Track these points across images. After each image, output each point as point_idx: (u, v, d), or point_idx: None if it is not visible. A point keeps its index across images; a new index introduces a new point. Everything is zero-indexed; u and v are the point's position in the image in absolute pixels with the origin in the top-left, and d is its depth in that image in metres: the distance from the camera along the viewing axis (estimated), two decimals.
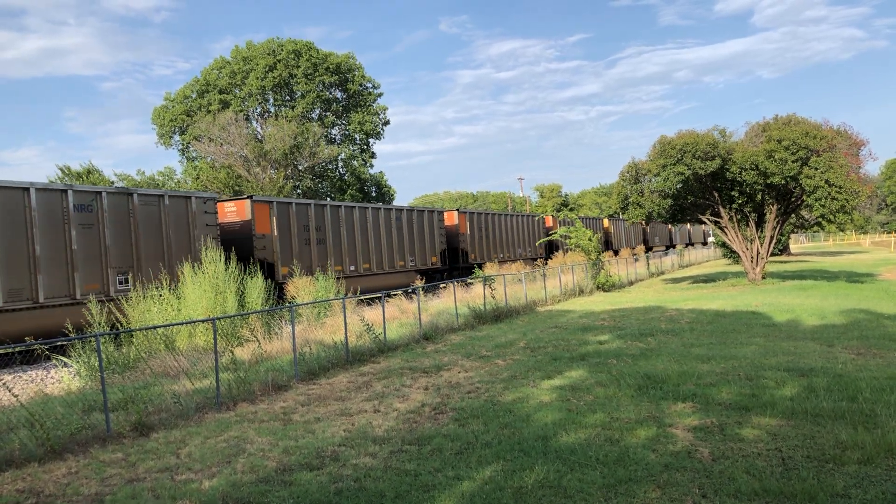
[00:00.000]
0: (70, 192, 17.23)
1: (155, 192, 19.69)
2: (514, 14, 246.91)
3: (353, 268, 27.19)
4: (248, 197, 23.27)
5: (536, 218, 45.45)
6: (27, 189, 16.22)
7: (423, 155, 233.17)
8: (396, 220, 30.30)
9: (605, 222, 57.10)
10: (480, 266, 33.63)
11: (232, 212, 23.30)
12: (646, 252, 60.07)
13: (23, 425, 8.02)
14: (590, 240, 30.23)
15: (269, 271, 22.48)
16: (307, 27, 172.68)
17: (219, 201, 22.61)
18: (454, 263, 34.87)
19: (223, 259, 17.20)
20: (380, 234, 29.00)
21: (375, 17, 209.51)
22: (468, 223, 36.51)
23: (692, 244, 79.38)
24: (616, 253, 52.71)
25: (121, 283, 18.13)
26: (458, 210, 36.71)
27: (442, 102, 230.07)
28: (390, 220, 29.86)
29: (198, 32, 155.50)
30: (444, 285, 25.85)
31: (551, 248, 44.94)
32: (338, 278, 23.63)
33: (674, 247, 72.24)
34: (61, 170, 49.30)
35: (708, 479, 5.98)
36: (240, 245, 22.08)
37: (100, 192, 18.15)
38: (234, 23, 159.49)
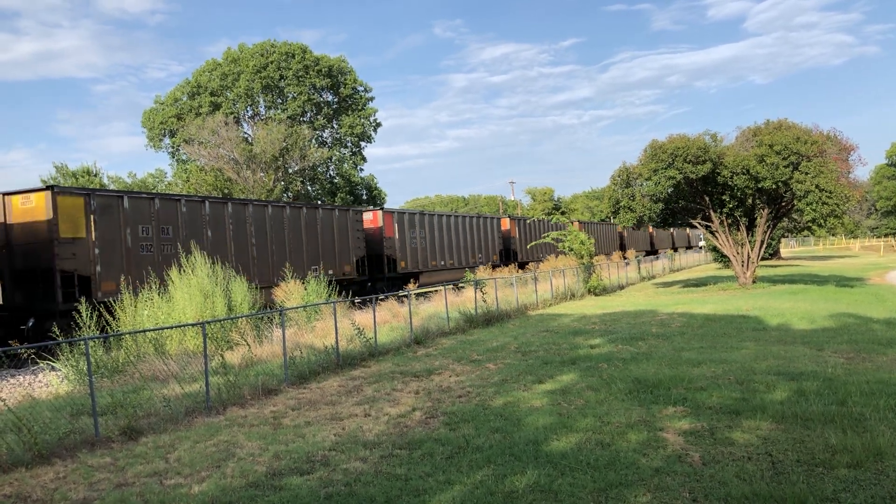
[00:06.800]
0: (288, 208, 24.79)
1: (330, 206, 26.87)
2: (508, 18, 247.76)
3: (442, 262, 34.20)
4: (379, 208, 30.33)
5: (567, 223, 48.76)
6: (284, 207, 24.36)
7: (416, 158, 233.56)
8: (469, 224, 37.48)
9: (620, 227, 59.27)
10: (525, 265, 41.11)
11: (368, 220, 30.16)
12: (652, 254, 61.30)
13: (10, 430, 7.93)
14: (582, 243, 30.24)
15: (392, 265, 30.21)
16: (302, 30, 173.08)
17: (362, 212, 29.57)
18: (508, 261, 40.51)
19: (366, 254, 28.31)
20: (458, 236, 36.18)
21: (370, 20, 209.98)
22: (517, 228, 43.63)
23: (690, 247, 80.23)
24: (624, 254, 55.07)
25: (313, 271, 24.71)
26: (509, 217, 43.83)
27: (435, 106, 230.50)
28: (465, 225, 37.04)
29: (192, 35, 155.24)
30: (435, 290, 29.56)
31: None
32: (435, 270, 32.87)
33: (676, 250, 73.00)
34: (57, 168, 50.36)
35: (698, 483, 5.98)
36: (374, 245, 29.77)
37: (301, 208, 25.44)
38: (229, 26, 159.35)
